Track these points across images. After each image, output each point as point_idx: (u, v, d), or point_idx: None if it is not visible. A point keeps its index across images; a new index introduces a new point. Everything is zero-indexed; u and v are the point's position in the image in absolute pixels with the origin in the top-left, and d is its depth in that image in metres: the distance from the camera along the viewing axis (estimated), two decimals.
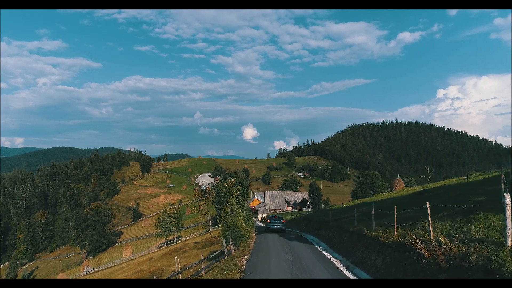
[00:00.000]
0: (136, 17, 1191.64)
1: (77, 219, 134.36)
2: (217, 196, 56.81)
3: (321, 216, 32.35)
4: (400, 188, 46.54)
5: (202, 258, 18.00)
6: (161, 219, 71.80)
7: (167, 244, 68.05)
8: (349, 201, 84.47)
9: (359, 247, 15.52)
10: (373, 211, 15.48)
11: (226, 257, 19.59)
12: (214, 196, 61.89)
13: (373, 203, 15.60)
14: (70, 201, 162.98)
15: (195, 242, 39.30)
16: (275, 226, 34.11)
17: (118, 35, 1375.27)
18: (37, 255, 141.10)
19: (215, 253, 21.00)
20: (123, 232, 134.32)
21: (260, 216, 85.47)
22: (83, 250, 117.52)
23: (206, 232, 64.84)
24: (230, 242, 20.33)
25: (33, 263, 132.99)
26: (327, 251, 19.18)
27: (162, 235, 73.49)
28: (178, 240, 72.30)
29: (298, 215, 48.09)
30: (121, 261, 67.84)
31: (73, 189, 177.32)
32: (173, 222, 70.48)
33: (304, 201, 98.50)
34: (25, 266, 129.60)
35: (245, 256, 18.30)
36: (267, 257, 17.32)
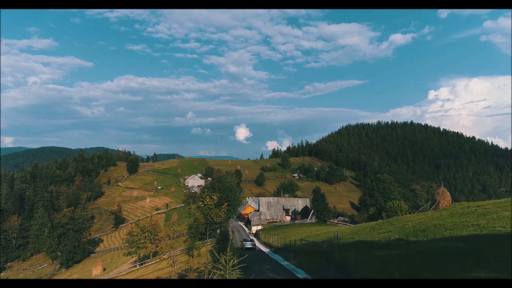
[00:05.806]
0: (128, 16, 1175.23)
1: (53, 225, 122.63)
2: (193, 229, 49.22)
3: (363, 265, 18.03)
4: (447, 203, 31.71)
5: None
6: (133, 233, 57.86)
7: (140, 264, 56.18)
8: (371, 221, 62.54)
9: None
10: None
11: None
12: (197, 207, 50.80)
13: None
14: (48, 204, 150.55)
15: (167, 280, 27.92)
16: (248, 246, 45.19)
17: (109, 34, 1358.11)
18: (9, 264, 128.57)
19: None
20: (103, 240, 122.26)
21: (254, 229, 72.71)
22: (55, 262, 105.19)
23: (188, 250, 53.25)
24: None
25: (3, 273, 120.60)
26: None
27: (133, 254, 60.97)
28: (155, 257, 60.54)
29: (308, 241, 32.90)
30: None
31: (52, 192, 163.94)
32: (147, 237, 57.06)
33: (305, 210, 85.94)
34: None
35: None
36: None
